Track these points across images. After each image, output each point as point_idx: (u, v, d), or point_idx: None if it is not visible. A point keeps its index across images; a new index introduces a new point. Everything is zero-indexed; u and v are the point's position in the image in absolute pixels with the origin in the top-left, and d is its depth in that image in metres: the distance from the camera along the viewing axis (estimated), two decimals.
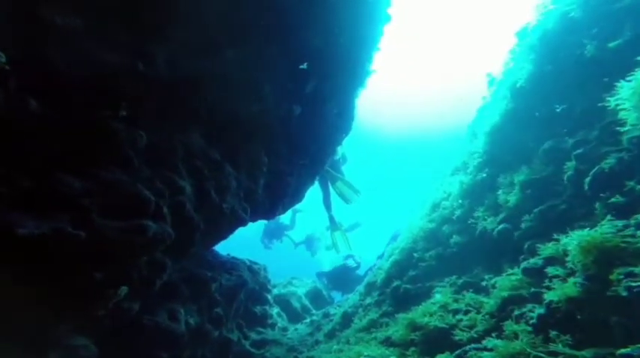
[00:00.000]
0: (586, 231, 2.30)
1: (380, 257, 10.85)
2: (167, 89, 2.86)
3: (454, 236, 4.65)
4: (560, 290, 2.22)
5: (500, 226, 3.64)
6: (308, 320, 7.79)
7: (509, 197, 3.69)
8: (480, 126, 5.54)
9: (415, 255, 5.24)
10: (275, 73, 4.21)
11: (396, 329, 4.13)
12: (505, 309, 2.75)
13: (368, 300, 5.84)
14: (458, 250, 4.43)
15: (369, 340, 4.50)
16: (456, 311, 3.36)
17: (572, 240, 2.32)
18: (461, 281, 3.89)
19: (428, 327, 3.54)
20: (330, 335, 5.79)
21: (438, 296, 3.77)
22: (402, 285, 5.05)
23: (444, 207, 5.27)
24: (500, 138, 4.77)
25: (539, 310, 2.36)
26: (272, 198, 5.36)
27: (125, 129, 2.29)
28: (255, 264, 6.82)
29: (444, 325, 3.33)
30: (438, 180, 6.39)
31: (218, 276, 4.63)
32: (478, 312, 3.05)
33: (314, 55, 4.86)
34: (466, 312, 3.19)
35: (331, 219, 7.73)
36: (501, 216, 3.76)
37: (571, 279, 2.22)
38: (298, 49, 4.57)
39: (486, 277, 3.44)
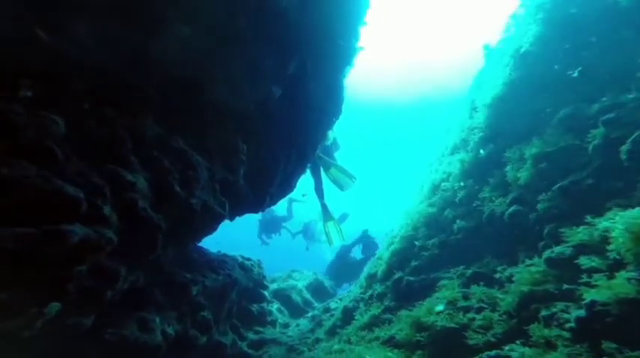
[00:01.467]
0: (636, 210, 1.72)
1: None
2: (102, 69, 2.25)
3: (458, 221, 4.08)
4: (607, 287, 1.66)
5: (512, 208, 3.06)
6: (310, 314, 7.33)
7: (520, 173, 3.10)
8: (479, 99, 4.91)
9: (416, 243, 4.68)
10: (244, 50, 3.57)
11: (399, 328, 3.60)
12: (527, 307, 2.20)
13: (369, 294, 5.33)
14: (463, 236, 3.87)
15: (370, 340, 3.99)
16: (466, 309, 2.82)
17: (616, 224, 1.75)
18: (469, 272, 3.33)
19: (435, 327, 3.00)
20: (331, 333, 5.30)
21: (444, 293, 3.23)
22: (405, 277, 4.51)
23: (445, 188, 4.68)
24: (503, 110, 4.15)
25: (578, 312, 1.80)
26: (256, 189, 4.78)
27: (25, 113, 1.70)
28: (249, 259, 6.30)
29: (453, 325, 2.79)
30: (436, 160, 5.78)
31: (201, 278, 4.10)
32: (493, 310, 2.50)
33: (292, 30, 4.20)
34: (479, 310, 2.65)
35: (324, 207, 7.15)
36: (511, 195, 3.17)
37: (621, 274, 1.66)
38: (273, 24, 3.92)
39: (499, 268, 2.88)
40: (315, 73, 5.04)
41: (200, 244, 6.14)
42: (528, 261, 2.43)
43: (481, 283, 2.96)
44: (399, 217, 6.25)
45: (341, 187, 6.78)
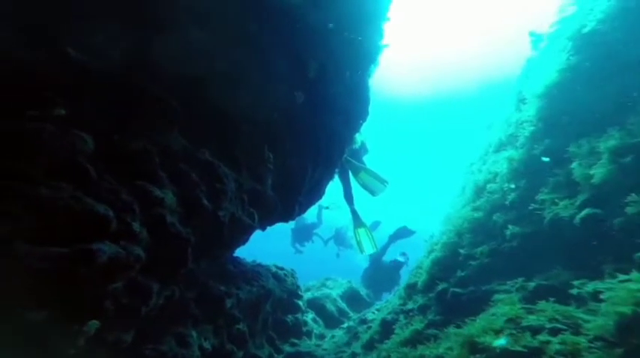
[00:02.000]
0: None
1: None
2: (127, 81, 2.24)
3: (510, 226, 3.61)
4: None
5: (585, 212, 2.59)
6: (345, 325, 7.04)
7: (594, 170, 2.63)
8: (527, 90, 4.39)
9: (461, 251, 4.25)
10: (265, 57, 3.47)
11: (448, 347, 3.23)
12: (633, 333, 1.77)
13: (410, 305, 4.94)
14: (519, 244, 3.40)
15: None
16: (535, 330, 2.40)
17: None
18: (532, 284, 2.88)
19: (494, 349, 2.61)
20: (369, 347, 4.98)
21: (502, 309, 2.81)
22: (450, 289, 4.11)
23: (492, 190, 4.21)
24: (560, 100, 3.64)
25: None
26: (285, 198, 4.64)
27: (56, 131, 1.69)
28: (282, 269, 6.18)
29: (520, 348, 2.39)
30: (478, 159, 5.28)
31: (235, 290, 4.03)
32: (576, 332, 2.07)
33: (312, 32, 4.06)
34: (554, 332, 2.23)
35: (354, 213, 6.82)
36: (582, 197, 2.70)
37: None
38: (289, 28, 3.80)
39: (576, 282, 2.42)
40: (337, 76, 4.84)
41: (235, 254, 6.18)
42: (622, 276, 1.99)
43: (550, 299, 2.52)
44: (438, 222, 5.80)
45: (372, 192, 6.45)
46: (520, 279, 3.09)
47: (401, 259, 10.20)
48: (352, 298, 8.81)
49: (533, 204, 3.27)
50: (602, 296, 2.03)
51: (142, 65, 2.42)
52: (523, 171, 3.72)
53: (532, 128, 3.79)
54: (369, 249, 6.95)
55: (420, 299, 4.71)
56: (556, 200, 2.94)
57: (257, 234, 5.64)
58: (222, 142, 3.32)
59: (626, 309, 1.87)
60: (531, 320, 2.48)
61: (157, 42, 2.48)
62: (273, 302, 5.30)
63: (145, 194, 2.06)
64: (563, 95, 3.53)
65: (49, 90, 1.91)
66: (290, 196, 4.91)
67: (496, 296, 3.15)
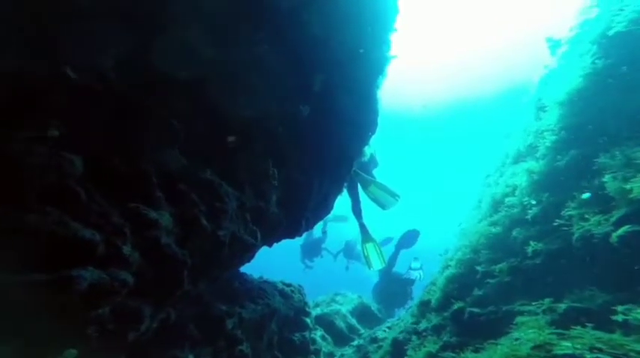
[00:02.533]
0: None
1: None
2: (121, 99, 2.16)
3: (532, 243, 3.35)
4: None
5: (624, 229, 2.34)
6: (355, 342, 6.74)
7: (632, 184, 2.38)
8: (547, 97, 4.16)
9: (478, 268, 3.98)
10: (267, 69, 3.38)
11: None
12: None
13: (423, 325, 4.66)
14: (543, 262, 3.14)
15: None
16: None
17: None
18: (563, 306, 2.60)
19: None
20: None
21: (527, 333, 2.53)
22: (467, 308, 3.83)
23: (511, 205, 3.95)
24: (585, 107, 3.40)
25: None
26: (290, 214, 4.49)
27: (44, 153, 1.60)
28: (289, 285, 5.99)
29: None
30: (495, 171, 5.03)
31: (239, 309, 3.86)
32: None
33: (316, 44, 3.97)
34: None
35: (362, 227, 6.60)
36: (619, 213, 2.45)
37: None
38: (293, 39, 3.72)
39: (620, 308, 2.13)
40: (344, 88, 4.73)
41: (244, 270, 6.04)
42: None
43: (587, 324, 2.23)
44: (453, 235, 5.52)
45: (382, 206, 6.24)
46: (547, 300, 2.81)
47: (415, 265, 9.77)
48: (363, 314, 8.50)
49: (558, 220, 3.02)
50: None
51: (140, 82, 2.36)
52: (545, 183, 3.47)
53: (554, 137, 3.55)
54: (377, 265, 6.70)
55: (434, 319, 4.43)
56: (586, 215, 2.69)
57: (267, 250, 5.50)
58: (225, 160, 3.21)
59: None
60: (565, 347, 2.19)
61: (153, 57, 2.42)
62: (279, 321, 5.10)
63: (139, 216, 1.94)
64: (587, 102, 3.30)
65: (43, 108, 1.85)
66: (296, 212, 4.76)
67: (519, 319, 2.88)
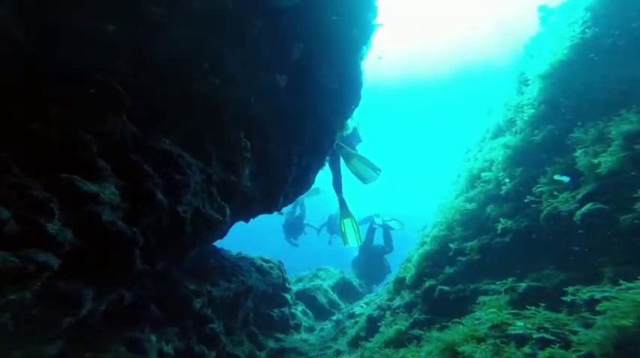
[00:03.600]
0: None
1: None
2: (47, 61, 1.93)
3: (503, 220, 3.37)
4: None
5: (588, 206, 2.32)
6: (335, 318, 6.94)
7: (602, 158, 2.34)
8: (531, 70, 4.04)
9: (451, 245, 4.03)
10: (235, 33, 3.13)
11: (429, 351, 3.05)
12: (633, 351, 1.54)
13: (397, 302, 4.78)
14: (512, 241, 3.16)
15: None
16: (522, 340, 2.18)
17: None
18: (523, 286, 2.66)
19: None
20: (354, 344, 4.85)
21: (487, 313, 2.59)
22: (438, 286, 3.91)
23: (487, 180, 3.94)
24: (567, 81, 3.30)
25: None
26: (267, 188, 4.39)
27: None
28: (268, 261, 6.01)
29: None
30: (475, 146, 4.98)
31: (210, 287, 3.84)
32: (566, 347, 1.84)
33: (295, 10, 3.69)
34: (541, 344, 2.01)
35: (341, 202, 6.58)
36: (586, 189, 2.43)
37: None
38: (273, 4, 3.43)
39: (570, 288, 2.17)
40: (324, 58, 4.49)
41: (227, 246, 5.99)
42: (626, 283, 1.74)
43: (541, 304, 2.29)
44: (433, 212, 5.55)
45: (364, 180, 6.19)
46: (510, 279, 2.86)
47: (393, 225, 10.03)
48: (344, 289, 8.71)
49: (529, 197, 3.01)
50: (598, 307, 1.79)
51: (80, 44, 2.11)
52: (520, 159, 3.44)
53: (532, 111, 3.48)
54: (353, 242, 6.76)
55: (407, 296, 4.53)
56: (555, 192, 2.67)
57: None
58: (188, 129, 3.03)
59: (628, 323, 1.63)
60: (518, 327, 2.26)
61: (101, 19, 2.16)
62: (256, 297, 5.14)
63: (72, 189, 1.80)
64: (571, 75, 3.20)
65: None
66: (273, 186, 4.66)
67: (482, 298, 2.94)
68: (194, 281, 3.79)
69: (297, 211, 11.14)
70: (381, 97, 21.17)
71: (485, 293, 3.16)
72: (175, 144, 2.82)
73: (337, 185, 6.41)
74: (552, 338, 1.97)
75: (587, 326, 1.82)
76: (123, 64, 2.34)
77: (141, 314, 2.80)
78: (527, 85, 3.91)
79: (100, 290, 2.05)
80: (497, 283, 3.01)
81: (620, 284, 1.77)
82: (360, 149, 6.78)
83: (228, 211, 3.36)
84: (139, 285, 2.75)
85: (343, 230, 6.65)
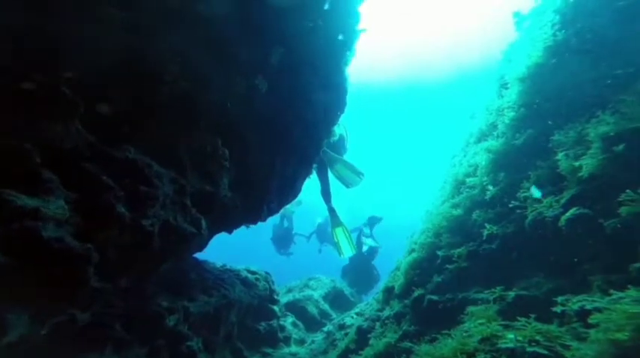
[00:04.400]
0: None
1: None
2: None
3: (488, 226, 3.22)
4: None
5: (572, 212, 2.18)
6: (326, 329, 6.67)
7: (582, 161, 2.22)
8: (510, 73, 3.97)
9: (439, 252, 3.86)
10: (210, 38, 2.99)
11: None
12: None
13: (386, 312, 4.56)
14: (499, 247, 3.01)
15: None
16: (512, 354, 2.00)
17: None
18: (511, 295, 2.48)
19: None
20: (344, 357, 4.60)
21: (477, 325, 2.41)
22: (427, 296, 3.71)
23: (472, 185, 3.81)
24: (545, 82, 3.22)
25: None
26: (249, 198, 4.19)
27: None
28: (254, 273, 5.75)
29: None
30: (460, 151, 4.88)
31: (186, 303, 3.59)
32: None
33: (277, 15, 3.58)
34: None
35: (331, 212, 6.40)
36: (568, 194, 2.30)
37: None
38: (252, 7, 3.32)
39: (560, 298, 2.01)
40: (307, 64, 4.38)
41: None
42: (616, 293, 1.58)
43: (531, 315, 2.12)
44: (421, 219, 5.40)
45: (347, 184, 6.04)
46: (498, 288, 2.69)
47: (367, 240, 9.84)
48: (336, 298, 8.45)
49: (514, 202, 2.87)
50: (591, 318, 1.62)
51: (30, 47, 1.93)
52: (503, 163, 3.31)
53: (512, 114, 3.38)
54: (347, 252, 6.56)
55: (396, 306, 4.32)
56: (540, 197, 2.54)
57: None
58: (159, 137, 2.84)
59: (623, 336, 1.47)
60: (509, 340, 2.07)
61: (54, 19, 1.99)
62: (240, 311, 4.87)
63: (3, 204, 1.58)
64: (547, 77, 3.12)
65: None
66: (255, 195, 4.45)
67: (471, 308, 2.76)
68: (170, 297, 3.53)
69: (285, 224, 10.88)
70: (369, 101, 21.20)
71: (474, 302, 2.98)
72: (143, 154, 2.63)
73: (326, 194, 6.24)
74: (544, 352, 1.79)
75: (580, 339, 1.65)
76: (75, 66, 2.15)
77: (101, 334, 2.54)
78: (507, 89, 3.83)
79: (39, 313, 1.81)
80: (486, 292, 2.83)
81: (610, 294, 1.62)
82: (351, 153, 6.64)
83: (204, 223, 3.15)
84: (101, 304, 2.51)
85: (336, 240, 6.44)
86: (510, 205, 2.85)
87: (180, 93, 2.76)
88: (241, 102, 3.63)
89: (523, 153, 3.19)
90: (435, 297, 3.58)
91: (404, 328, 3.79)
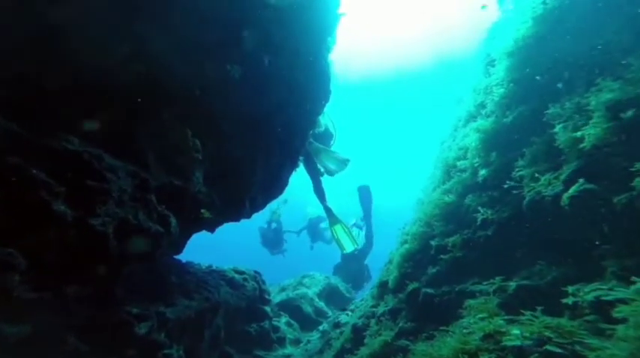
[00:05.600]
0: None
1: None
2: None
3: (482, 210, 2.92)
4: None
5: (574, 188, 1.88)
6: (321, 328, 6.36)
7: (586, 131, 1.92)
8: (496, 50, 3.68)
9: (432, 242, 3.55)
10: (167, 18, 2.63)
11: None
12: None
13: (381, 308, 4.25)
14: (495, 233, 2.71)
15: None
16: (520, 353, 1.70)
17: None
18: (513, 285, 2.18)
19: None
20: (340, 357, 4.30)
21: (477, 320, 2.11)
22: (422, 289, 3.42)
23: (463, 168, 3.51)
24: (535, 55, 2.93)
25: None
26: (228, 193, 3.86)
27: None
28: (241, 273, 5.41)
29: None
30: (448, 136, 4.59)
31: (162, 308, 3.25)
32: None
33: None
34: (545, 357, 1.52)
35: (328, 211, 6.10)
36: (569, 169, 2.00)
37: None
38: None
39: (571, 288, 1.70)
40: (285, 48, 4.04)
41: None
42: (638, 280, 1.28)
43: (537, 307, 1.81)
44: (412, 208, 5.10)
45: (330, 172, 5.73)
46: (498, 279, 2.40)
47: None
48: (331, 295, 8.15)
49: (509, 182, 2.57)
50: (615, 312, 1.32)
51: None
52: (493, 142, 3.02)
53: (502, 90, 3.09)
54: (349, 247, 6.26)
55: (390, 301, 4.01)
56: (537, 174, 2.24)
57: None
58: (113, 127, 2.49)
59: None
60: (514, 337, 1.77)
61: None
62: (228, 314, 4.54)
63: None
64: (538, 49, 2.83)
65: None
66: (236, 191, 4.12)
67: (470, 302, 2.46)
68: (143, 302, 3.19)
69: (273, 225, 10.47)
70: (351, 90, 20.59)
71: (473, 294, 2.68)
72: (96, 145, 2.28)
73: (319, 192, 5.90)
74: (558, 350, 1.49)
75: (601, 335, 1.36)
76: None
77: (52, 348, 2.19)
78: (493, 66, 3.53)
79: None
80: (485, 283, 2.54)
81: (633, 282, 1.32)
82: (341, 141, 6.30)
83: (173, 221, 2.81)
84: (48, 313, 2.15)
85: (336, 237, 6.15)
86: (505, 186, 2.55)
87: (133, 78, 2.41)
88: (212, 90, 3.28)
89: (515, 131, 2.90)
90: (430, 290, 3.28)
91: (400, 325, 3.48)
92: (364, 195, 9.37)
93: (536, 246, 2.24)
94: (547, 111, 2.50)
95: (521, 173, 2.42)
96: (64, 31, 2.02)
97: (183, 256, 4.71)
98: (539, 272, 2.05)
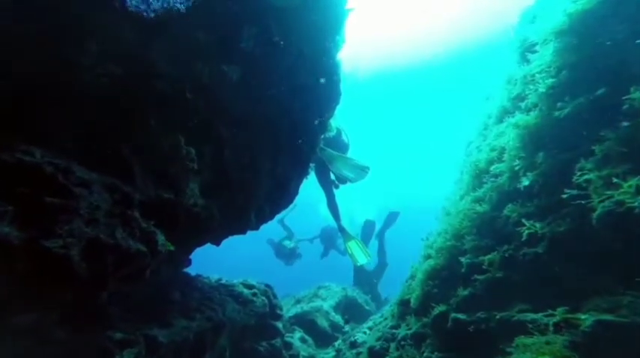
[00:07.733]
0: None
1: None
2: None
3: (529, 223, 2.30)
4: None
5: None
6: (337, 344, 5.79)
7: None
8: (537, 33, 3.08)
9: (462, 259, 2.96)
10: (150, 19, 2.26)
11: None
12: None
13: (402, 331, 3.66)
14: (547, 250, 2.10)
15: None
16: None
17: None
18: (589, 321, 1.59)
19: None
20: None
21: None
22: (451, 314, 2.82)
23: (498, 173, 2.91)
24: (595, 34, 2.32)
25: None
26: (231, 205, 3.44)
27: None
28: (251, 287, 4.96)
29: None
30: (477, 136, 3.96)
31: (155, 331, 2.85)
32: None
33: None
34: None
35: (342, 230, 5.62)
36: None
37: None
38: None
39: None
40: (289, 44, 3.62)
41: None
42: None
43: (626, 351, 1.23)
44: (438, 217, 4.45)
45: (351, 180, 5.20)
46: (560, 309, 1.79)
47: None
48: (348, 308, 7.56)
49: (567, 190, 1.97)
50: None
51: None
52: (539, 141, 2.42)
53: (550, 80, 2.48)
54: (362, 259, 5.75)
55: (413, 324, 3.43)
56: (615, 179, 1.65)
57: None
58: (89, 137, 2.14)
59: None
60: None
61: None
62: (234, 332, 4.09)
63: None
64: (598, 27, 2.22)
65: None
66: (239, 202, 3.70)
67: (520, 340, 1.86)
68: (137, 324, 2.80)
69: (289, 245, 10.05)
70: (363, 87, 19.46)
71: (521, 325, 2.08)
72: (66, 157, 1.92)
73: (333, 208, 5.42)
74: None
75: None
76: None
77: None
78: (533, 52, 2.92)
79: None
80: (540, 314, 1.93)
81: None
82: (359, 142, 5.77)
83: (160, 239, 2.40)
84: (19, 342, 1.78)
85: (350, 253, 5.70)
86: (564, 195, 1.95)
87: (107, 81, 2.05)
88: (207, 93, 2.90)
89: (569, 127, 2.28)
90: (462, 316, 2.69)
91: (425, 355, 2.90)
92: (368, 228, 9.08)
93: (609, 270, 1.63)
94: (627, 97, 1.88)
95: (586, 176, 1.82)
96: (41, 35, 1.69)
97: (195, 268, 4.37)
98: (628, 304, 1.44)
